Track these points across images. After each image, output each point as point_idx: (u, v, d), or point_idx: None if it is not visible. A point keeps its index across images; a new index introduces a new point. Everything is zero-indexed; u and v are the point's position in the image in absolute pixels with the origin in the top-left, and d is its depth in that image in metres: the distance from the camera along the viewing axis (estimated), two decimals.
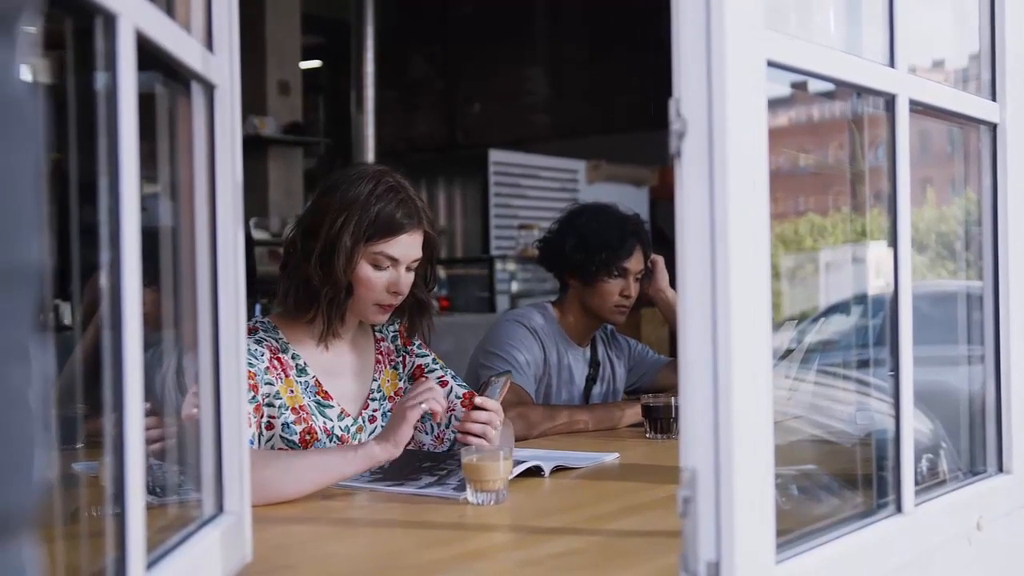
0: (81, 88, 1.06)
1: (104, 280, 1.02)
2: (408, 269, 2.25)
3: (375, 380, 2.38)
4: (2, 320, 0.56)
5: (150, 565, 1.10)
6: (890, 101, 1.54)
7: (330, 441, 2.24)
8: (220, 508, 1.39)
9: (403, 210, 2.21)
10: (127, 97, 1.02)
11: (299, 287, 2.23)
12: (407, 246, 2.23)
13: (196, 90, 1.36)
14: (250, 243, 3.58)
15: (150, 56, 1.12)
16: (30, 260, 0.58)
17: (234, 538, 1.39)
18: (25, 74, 0.59)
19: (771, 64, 1.26)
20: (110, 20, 1.00)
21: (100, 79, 1.03)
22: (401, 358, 2.44)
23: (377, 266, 2.22)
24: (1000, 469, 1.84)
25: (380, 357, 2.41)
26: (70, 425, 1.52)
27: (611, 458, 2.38)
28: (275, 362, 2.19)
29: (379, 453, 1.98)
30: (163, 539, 1.23)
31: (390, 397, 2.39)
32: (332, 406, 2.26)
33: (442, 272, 7.96)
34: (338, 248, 2.18)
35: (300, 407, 2.21)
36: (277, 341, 2.24)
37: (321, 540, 1.75)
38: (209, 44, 1.37)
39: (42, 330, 0.61)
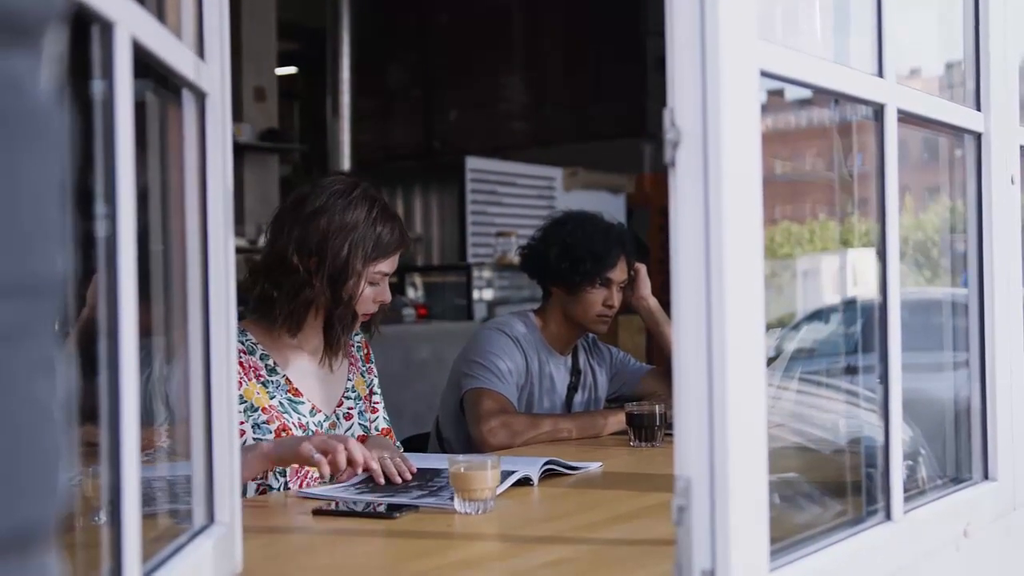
0: (76, 95, 1.05)
1: (100, 288, 1.01)
2: (390, 279, 2.40)
3: (349, 380, 2.47)
4: (27, 332, 0.56)
5: None
6: (879, 110, 1.54)
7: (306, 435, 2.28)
8: (211, 519, 1.38)
9: (399, 229, 2.36)
10: (124, 105, 1.02)
11: (303, 307, 2.30)
12: (397, 261, 2.39)
13: (187, 98, 1.35)
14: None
15: (143, 64, 1.12)
16: (55, 272, 0.58)
17: (225, 549, 1.39)
18: (50, 84, 0.58)
19: (764, 74, 1.27)
20: (107, 28, 1.00)
21: (96, 87, 1.02)
22: (367, 368, 2.56)
23: (372, 283, 2.34)
24: (986, 476, 1.85)
25: (352, 360, 2.51)
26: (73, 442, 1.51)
27: (595, 467, 2.38)
28: (236, 366, 2.22)
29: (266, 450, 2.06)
30: (154, 550, 1.22)
31: (365, 397, 2.49)
32: (303, 402, 2.34)
33: (419, 280, 7.95)
34: (349, 274, 2.28)
35: (270, 406, 2.27)
36: (243, 343, 2.27)
37: (311, 551, 1.74)
38: (200, 52, 1.36)
39: (62, 342, 0.60)
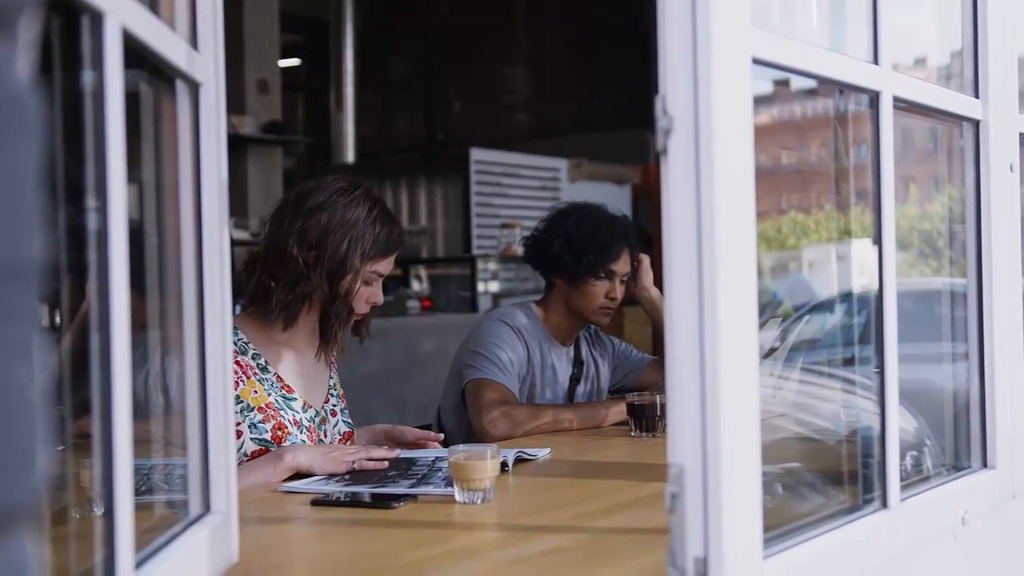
0: (66, 86, 1.05)
1: (92, 281, 1.02)
2: (385, 280, 2.42)
3: (332, 379, 2.51)
4: (5, 316, 0.56)
5: (138, 565, 1.10)
6: (874, 98, 1.54)
7: (300, 432, 2.33)
8: (207, 508, 1.39)
9: (397, 231, 2.39)
10: (114, 96, 1.02)
11: (299, 300, 2.32)
12: (392, 263, 2.41)
13: (181, 89, 1.35)
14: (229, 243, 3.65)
15: (135, 54, 1.12)
16: (32, 257, 0.58)
17: (221, 538, 1.39)
18: (25, 72, 0.59)
19: (756, 61, 1.26)
20: (97, 18, 1.00)
21: (86, 77, 1.02)
22: (335, 369, 2.59)
23: (367, 282, 2.36)
24: (984, 464, 1.85)
25: (333, 360, 2.54)
26: (54, 427, 1.52)
27: (543, 453, 2.41)
28: (233, 366, 2.24)
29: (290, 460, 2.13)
30: (149, 539, 1.23)
31: (342, 396, 2.54)
32: (296, 399, 2.37)
33: (423, 272, 7.95)
34: (347, 270, 2.31)
35: (267, 405, 2.30)
36: (235, 343, 2.28)
37: (308, 540, 1.74)
38: (194, 42, 1.37)
39: (41, 327, 0.61)
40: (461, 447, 1.99)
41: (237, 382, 2.25)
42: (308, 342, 2.42)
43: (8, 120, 0.56)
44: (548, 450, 2.44)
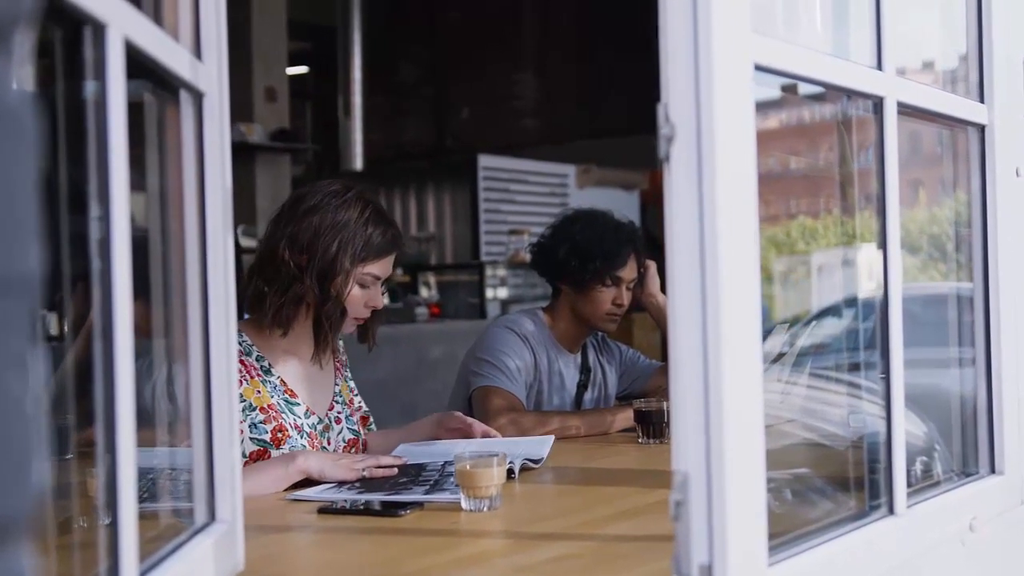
0: (69, 96, 1.06)
1: (95, 290, 1.02)
2: (383, 284, 2.41)
3: (336, 385, 2.51)
4: (1, 329, 0.56)
5: (143, 574, 1.10)
6: (878, 104, 1.54)
7: (300, 437, 2.33)
8: (212, 517, 1.39)
9: (391, 233, 2.38)
10: (116, 106, 1.02)
11: (292, 303, 2.32)
12: (389, 265, 2.40)
13: (184, 98, 1.35)
14: (237, 251, 3.65)
15: (138, 64, 1.12)
16: (28, 269, 0.58)
17: (226, 547, 1.39)
18: (22, 84, 0.59)
19: (758, 68, 1.26)
20: (99, 29, 1.00)
21: (89, 87, 1.03)
22: (348, 372, 2.59)
23: (362, 285, 2.36)
24: (992, 470, 1.84)
25: (338, 366, 2.54)
26: (60, 436, 1.52)
27: (548, 441, 2.44)
28: (237, 365, 2.25)
29: (302, 463, 2.12)
30: (155, 548, 1.23)
31: (348, 402, 2.52)
32: (299, 404, 2.37)
33: (432, 278, 7.95)
34: (337, 271, 2.30)
35: (269, 406, 2.31)
36: (240, 345, 2.29)
37: (313, 549, 1.74)
38: (197, 52, 1.37)
39: (38, 339, 0.61)
40: (467, 454, 1.99)
41: (240, 381, 2.25)
42: (311, 349, 2.41)
43: (4, 133, 0.56)
44: (551, 437, 2.46)
